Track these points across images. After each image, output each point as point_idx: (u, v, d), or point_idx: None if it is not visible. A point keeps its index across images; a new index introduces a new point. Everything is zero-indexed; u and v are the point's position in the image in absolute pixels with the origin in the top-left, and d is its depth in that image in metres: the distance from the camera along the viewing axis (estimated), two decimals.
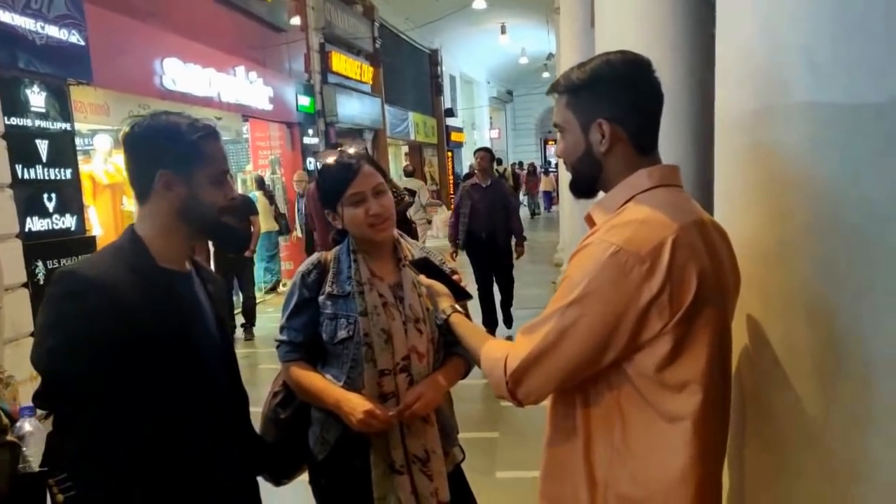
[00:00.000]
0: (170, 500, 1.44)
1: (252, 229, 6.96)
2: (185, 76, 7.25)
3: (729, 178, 1.54)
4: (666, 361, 1.20)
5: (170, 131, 1.45)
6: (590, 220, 1.37)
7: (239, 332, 6.92)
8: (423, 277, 1.71)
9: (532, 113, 30.69)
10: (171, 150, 1.44)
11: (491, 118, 27.40)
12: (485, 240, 6.13)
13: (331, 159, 1.88)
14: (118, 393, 1.36)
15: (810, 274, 1.31)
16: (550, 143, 32.07)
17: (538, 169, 21.98)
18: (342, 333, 1.80)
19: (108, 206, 6.49)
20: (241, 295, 7.16)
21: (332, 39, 12.20)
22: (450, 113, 20.60)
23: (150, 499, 1.41)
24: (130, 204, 6.58)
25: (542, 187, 21.34)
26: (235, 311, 6.97)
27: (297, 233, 9.57)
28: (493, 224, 6.14)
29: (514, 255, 6.46)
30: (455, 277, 1.75)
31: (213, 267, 6.82)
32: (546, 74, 22.99)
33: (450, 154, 20.79)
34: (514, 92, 29.77)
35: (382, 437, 1.77)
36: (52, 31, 5.30)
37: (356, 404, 1.72)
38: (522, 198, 21.11)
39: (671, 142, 2.47)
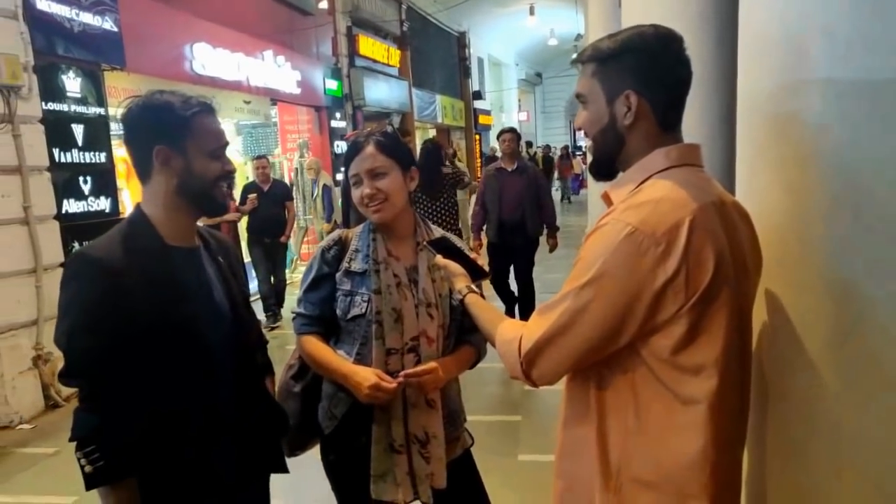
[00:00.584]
0: (176, 477, 1.50)
1: (287, 214, 7.03)
2: (214, 61, 7.32)
3: (749, 154, 1.53)
4: (681, 344, 1.18)
5: (164, 108, 1.48)
6: (607, 199, 1.35)
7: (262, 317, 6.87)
8: (440, 258, 1.72)
9: (562, 95, 30.35)
10: (165, 126, 1.48)
11: (520, 101, 27.17)
12: (511, 230, 5.46)
13: (354, 133, 1.95)
14: (126, 368, 1.42)
15: (830, 251, 1.31)
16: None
17: (570, 152, 21.59)
18: (356, 310, 1.83)
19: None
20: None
21: (360, 23, 12.19)
22: (478, 96, 20.47)
23: (157, 480, 1.48)
24: None
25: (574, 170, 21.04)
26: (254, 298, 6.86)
27: (318, 219, 8.82)
28: (521, 212, 5.47)
29: (549, 248, 5.83)
30: (473, 256, 1.76)
31: (247, 253, 6.84)
32: (575, 56, 22.66)
33: (477, 137, 20.69)
34: (543, 74, 29.49)
35: (385, 414, 1.80)
36: (87, 17, 5.41)
37: (363, 377, 1.75)
38: (556, 183, 20.96)
39: (696, 119, 2.47)
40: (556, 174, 21.03)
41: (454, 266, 1.66)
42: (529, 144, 21.92)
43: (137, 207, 1.55)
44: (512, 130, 5.81)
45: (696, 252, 1.16)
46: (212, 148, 1.53)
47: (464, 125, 19.77)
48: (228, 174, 1.57)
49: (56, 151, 5.10)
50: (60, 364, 1.46)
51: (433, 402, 1.84)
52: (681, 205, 1.18)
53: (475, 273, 1.66)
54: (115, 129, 5.60)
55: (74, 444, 1.42)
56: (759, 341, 1.45)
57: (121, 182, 6.12)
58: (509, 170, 5.61)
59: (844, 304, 1.28)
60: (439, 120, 17.19)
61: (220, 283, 1.63)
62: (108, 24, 5.63)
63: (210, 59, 7.24)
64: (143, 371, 1.44)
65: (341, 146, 10.75)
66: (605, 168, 1.36)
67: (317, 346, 1.87)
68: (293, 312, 1.95)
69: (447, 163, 6.25)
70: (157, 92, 1.53)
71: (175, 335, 1.48)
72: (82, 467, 1.40)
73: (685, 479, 1.22)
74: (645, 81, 1.25)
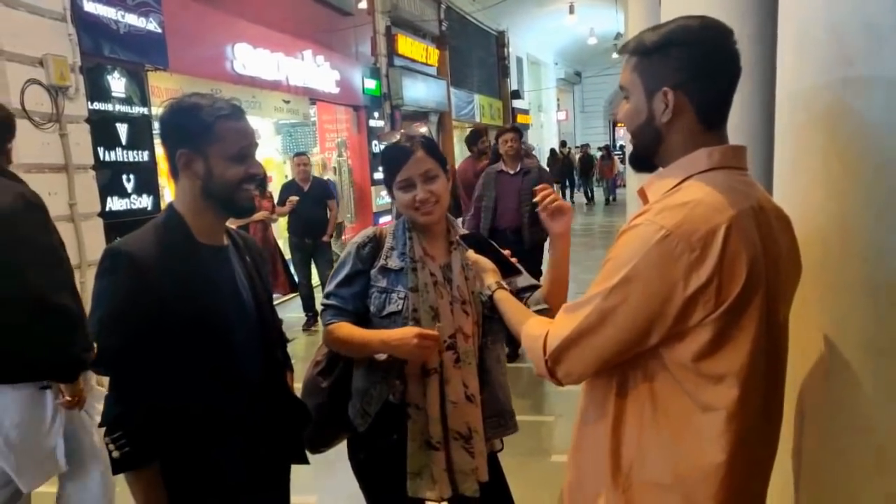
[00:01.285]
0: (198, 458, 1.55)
1: (329, 214, 6.85)
2: (254, 61, 7.43)
3: (791, 154, 1.49)
4: (705, 352, 1.16)
5: (188, 112, 1.52)
6: (643, 196, 1.32)
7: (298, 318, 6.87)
8: (471, 252, 1.73)
9: (601, 95, 30.02)
10: (187, 130, 1.52)
11: (558, 100, 26.97)
12: (503, 241, 4.33)
13: (388, 140, 1.94)
14: (152, 361, 1.47)
15: (874, 254, 1.27)
16: (620, 125, 31.38)
17: (612, 151, 21.25)
18: (392, 307, 1.84)
19: None
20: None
21: (399, 22, 12.24)
22: (516, 95, 20.38)
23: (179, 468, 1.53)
24: None
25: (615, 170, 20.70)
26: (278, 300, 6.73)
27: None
28: (518, 222, 5.04)
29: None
30: (506, 252, 1.76)
31: (290, 252, 6.82)
32: (615, 55, 22.43)
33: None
34: (582, 73, 29.21)
35: (421, 412, 1.81)
36: (132, 18, 5.54)
37: (404, 332, 1.75)
38: (597, 182, 20.80)
39: (738, 117, 2.40)
40: (595, 174, 20.83)
41: (485, 261, 1.67)
42: (563, 144, 21.73)
43: (170, 205, 1.59)
44: (514, 130, 5.35)
45: (730, 260, 1.13)
46: (235, 152, 1.55)
47: (502, 125, 19.71)
48: (253, 177, 1.59)
49: (101, 150, 5.23)
50: None
51: (473, 398, 1.85)
52: (718, 210, 1.14)
53: (507, 269, 1.66)
54: (158, 128, 5.72)
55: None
56: (797, 346, 1.41)
57: (162, 180, 6.24)
58: (511, 173, 5.15)
59: (887, 309, 1.24)
60: (477, 119, 17.16)
61: (247, 282, 1.66)
62: (151, 26, 5.76)
63: (251, 59, 7.34)
64: (169, 364, 1.48)
65: (380, 145, 10.80)
66: (644, 162, 1.33)
67: (350, 328, 1.87)
68: (322, 305, 1.95)
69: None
70: (191, 94, 1.56)
71: (202, 331, 1.51)
72: (110, 452, 1.46)
73: (696, 486, 1.20)
74: (686, 77, 1.21)
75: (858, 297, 1.31)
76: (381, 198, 11.17)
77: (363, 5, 10.67)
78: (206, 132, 1.51)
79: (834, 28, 1.30)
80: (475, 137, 6.41)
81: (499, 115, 19.38)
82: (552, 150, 21.34)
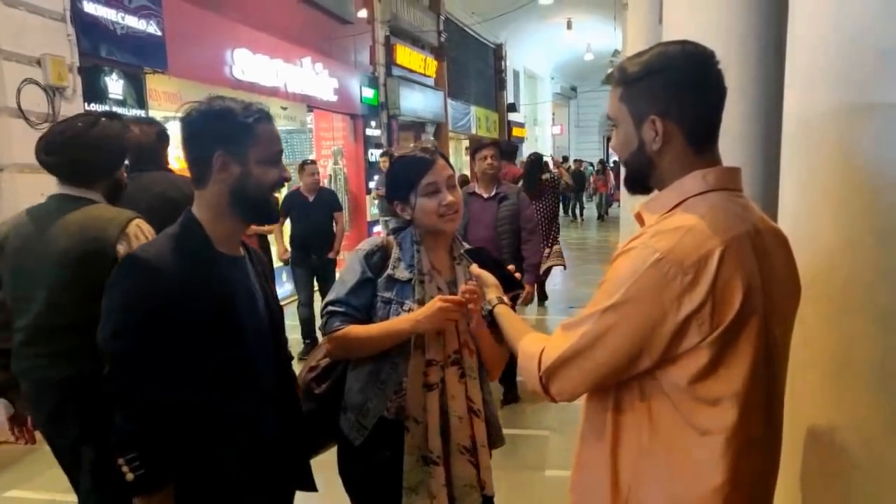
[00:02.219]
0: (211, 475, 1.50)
1: (335, 227, 6.04)
2: (253, 66, 7.42)
3: (798, 176, 1.50)
4: (700, 375, 1.16)
5: (225, 114, 1.49)
6: (640, 219, 1.33)
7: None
8: (475, 266, 1.72)
9: (596, 110, 30.21)
10: (226, 132, 1.48)
11: (554, 114, 27.13)
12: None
13: (404, 151, 1.95)
14: (172, 374, 1.42)
15: (876, 279, 1.27)
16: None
17: (607, 167, 21.18)
18: None
19: None
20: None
21: (398, 32, 12.29)
22: (512, 108, 20.48)
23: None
24: None
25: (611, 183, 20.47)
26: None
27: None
28: (496, 249, 4.22)
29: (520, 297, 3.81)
30: (510, 268, 1.75)
31: (294, 271, 6.14)
32: (611, 71, 22.58)
33: None
34: (577, 88, 29.40)
35: (420, 426, 1.79)
36: (132, 21, 5.52)
37: (429, 305, 1.75)
38: (590, 197, 20.57)
39: (736, 139, 2.42)
40: (589, 189, 20.83)
41: (487, 276, 1.67)
42: (565, 159, 21.32)
43: (189, 212, 1.55)
44: (494, 145, 4.49)
45: (723, 284, 1.13)
46: (270, 155, 1.54)
47: (497, 137, 19.77)
48: (285, 181, 1.58)
49: None
50: None
51: (479, 412, 1.84)
52: (712, 234, 1.14)
53: (509, 284, 1.66)
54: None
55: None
56: (800, 367, 1.41)
57: None
58: (484, 196, 4.33)
59: (890, 334, 1.24)
60: (473, 131, 17.22)
61: (262, 294, 1.63)
62: (151, 28, 5.74)
63: (250, 64, 7.34)
64: (189, 378, 1.44)
65: (375, 154, 10.81)
66: (640, 185, 1.34)
67: (366, 327, 1.83)
68: (328, 312, 1.88)
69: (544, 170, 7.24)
70: (216, 98, 1.54)
71: (222, 342, 1.48)
72: (123, 474, 1.40)
73: None
74: (670, 104, 1.21)
75: (865, 320, 1.31)
76: (375, 207, 11.17)
77: (363, 14, 10.70)
78: (245, 134, 1.50)
79: (846, 53, 1.30)
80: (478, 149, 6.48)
81: (495, 127, 19.45)
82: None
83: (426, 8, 13.93)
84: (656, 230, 1.18)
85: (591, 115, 30.65)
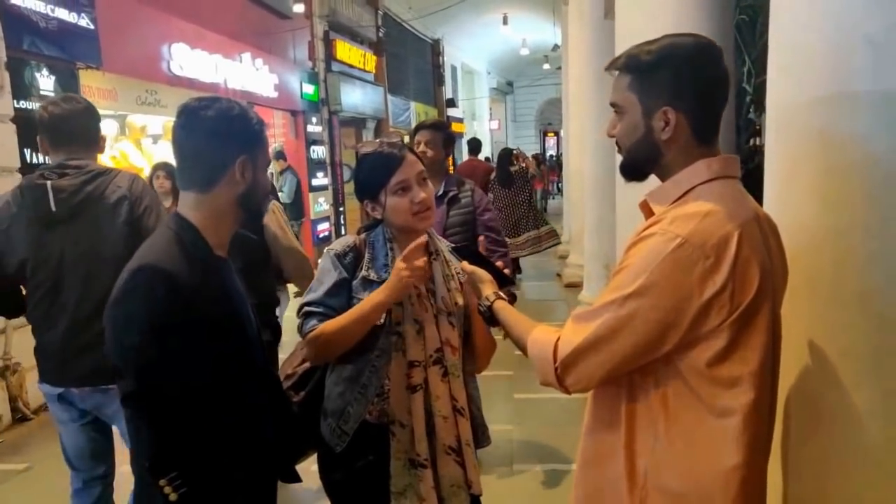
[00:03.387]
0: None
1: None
2: (192, 62, 7.19)
3: (783, 167, 1.52)
4: (719, 357, 1.18)
5: (245, 118, 1.47)
6: (645, 208, 1.34)
7: None
8: (466, 263, 1.69)
9: (532, 104, 30.61)
10: (249, 136, 1.47)
11: (491, 109, 27.30)
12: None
13: (369, 148, 1.85)
14: (199, 386, 1.36)
15: (864, 265, 1.30)
16: (549, 134, 32.01)
17: (542, 162, 21.18)
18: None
19: None
20: None
21: (337, 27, 12.12)
22: (451, 103, 20.51)
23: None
24: None
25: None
26: None
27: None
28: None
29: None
30: (498, 264, 1.73)
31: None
32: (546, 66, 22.87)
33: None
34: (514, 83, 29.68)
35: (405, 430, 1.75)
36: (62, 13, 5.25)
37: (392, 276, 1.70)
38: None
39: None
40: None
41: (481, 272, 1.64)
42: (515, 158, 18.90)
43: (180, 216, 1.47)
44: (435, 128, 3.37)
45: (742, 266, 1.16)
46: (268, 162, 1.56)
47: None
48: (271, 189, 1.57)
49: (28, 152, 4.92)
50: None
51: (463, 411, 1.80)
52: (728, 218, 1.17)
53: (501, 280, 1.64)
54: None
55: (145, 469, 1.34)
56: (785, 355, 1.44)
57: None
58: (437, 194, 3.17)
59: (879, 320, 1.28)
60: (413, 126, 17.16)
61: (245, 296, 1.59)
62: (84, 22, 5.48)
63: (188, 60, 7.10)
64: (213, 388, 1.38)
65: (317, 151, 10.65)
66: (639, 173, 1.35)
67: (338, 318, 1.76)
68: (304, 313, 1.81)
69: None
70: (223, 99, 1.49)
71: (233, 345, 1.44)
72: (166, 496, 1.32)
73: (715, 491, 1.21)
74: (683, 96, 1.24)
75: (849, 307, 1.34)
76: (319, 204, 11.00)
77: (299, 9, 10.50)
78: (258, 139, 1.50)
79: (832, 42, 1.33)
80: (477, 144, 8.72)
81: None
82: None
83: (364, 3, 13.79)
84: (674, 216, 1.20)
85: (527, 109, 31.00)
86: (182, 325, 1.33)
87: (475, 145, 8.85)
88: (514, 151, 9.80)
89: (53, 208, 2.30)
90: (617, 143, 1.36)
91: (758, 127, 4.12)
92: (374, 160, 1.82)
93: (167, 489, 1.31)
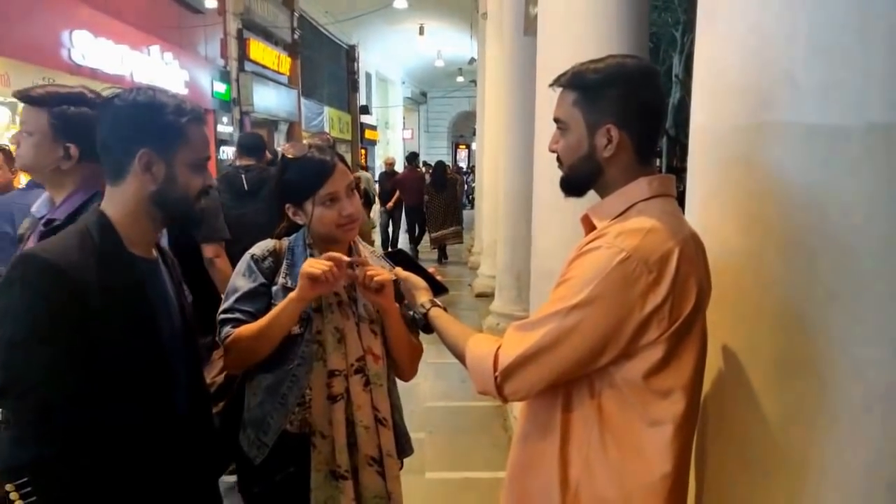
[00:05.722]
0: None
1: None
2: (95, 51, 6.84)
3: (704, 191, 1.59)
4: (655, 369, 1.22)
5: (157, 109, 1.35)
6: (587, 222, 1.37)
7: None
8: (399, 270, 1.67)
9: (445, 115, 30.90)
10: (156, 129, 1.35)
11: (404, 118, 27.37)
12: None
13: (298, 152, 1.78)
14: (77, 387, 1.26)
15: (780, 284, 1.38)
16: (461, 147, 32.41)
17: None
18: (294, 329, 1.71)
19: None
20: None
21: (251, 26, 11.85)
22: (365, 110, 20.44)
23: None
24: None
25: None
26: None
27: None
28: None
29: None
30: (431, 270, 1.73)
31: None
32: (461, 79, 23.18)
33: (363, 151, 20.62)
34: (428, 94, 29.89)
35: (326, 441, 1.70)
36: None
37: (301, 273, 1.62)
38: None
39: None
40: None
41: (415, 279, 1.63)
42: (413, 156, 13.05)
43: (98, 210, 1.39)
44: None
45: (682, 281, 1.20)
46: (197, 160, 1.41)
47: (350, 139, 19.62)
48: (209, 189, 1.45)
49: None
50: None
51: (385, 421, 1.77)
52: (670, 235, 1.22)
53: (435, 288, 1.63)
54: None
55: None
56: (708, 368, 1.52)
57: None
58: None
59: (797, 338, 1.36)
60: (326, 131, 16.95)
61: (175, 300, 1.49)
62: None
63: (91, 49, 6.75)
64: (96, 391, 1.27)
65: (227, 152, 10.33)
66: (578, 189, 1.38)
67: (253, 323, 1.70)
68: (220, 321, 1.75)
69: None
70: (148, 88, 1.39)
71: (136, 350, 1.33)
72: (11, 502, 1.22)
73: (645, 499, 1.25)
74: (627, 115, 1.27)
75: (770, 327, 1.41)
76: None
77: (212, 3, 10.18)
78: (175, 134, 1.36)
79: (753, 78, 1.41)
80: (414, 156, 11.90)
81: (347, 128, 19.30)
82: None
83: (280, 3, 13.54)
84: (618, 231, 1.23)
85: (440, 120, 31.26)
86: (69, 322, 1.25)
87: (412, 157, 12.11)
88: (447, 165, 12.37)
89: None
90: (558, 157, 1.37)
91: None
92: (304, 167, 1.75)
93: (12, 494, 1.22)
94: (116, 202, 1.39)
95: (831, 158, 1.29)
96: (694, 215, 1.64)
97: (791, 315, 1.36)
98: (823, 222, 1.29)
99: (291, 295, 1.66)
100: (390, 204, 10.92)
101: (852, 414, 1.28)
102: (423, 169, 12.86)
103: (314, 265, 1.62)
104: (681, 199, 1.44)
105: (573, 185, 1.37)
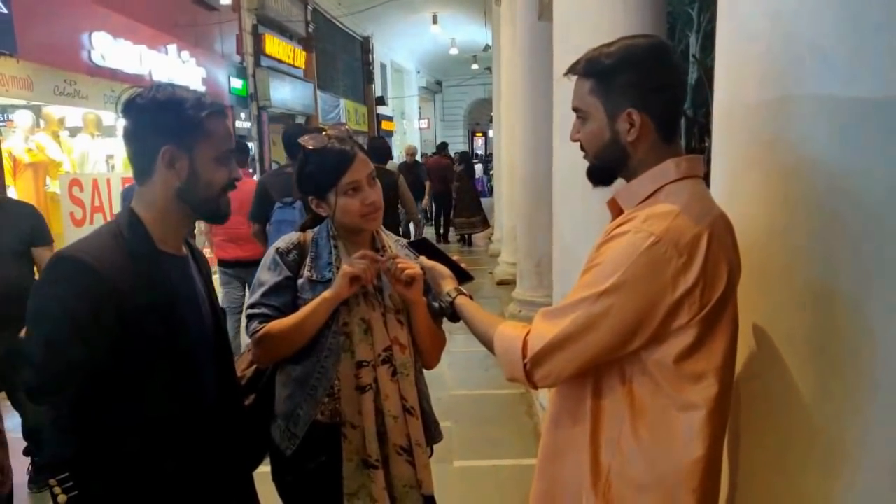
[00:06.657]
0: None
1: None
2: (115, 52, 6.91)
3: (731, 167, 1.58)
4: (686, 353, 1.21)
5: (176, 105, 1.37)
6: (614, 207, 1.36)
7: None
8: (424, 259, 1.67)
9: (461, 104, 30.79)
10: (176, 125, 1.37)
11: (420, 108, 27.31)
12: None
13: (318, 143, 1.78)
14: (112, 384, 1.30)
15: (811, 262, 1.37)
16: (478, 134, 32.30)
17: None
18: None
19: (31, 187, 6.11)
20: None
21: (266, 21, 11.87)
22: (381, 101, 20.42)
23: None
24: (54, 185, 6.21)
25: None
26: None
27: None
28: None
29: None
30: (455, 258, 1.73)
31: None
32: (475, 66, 23.07)
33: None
34: (443, 82, 29.79)
35: (357, 431, 1.72)
36: None
37: (342, 273, 1.67)
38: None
39: None
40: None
41: (441, 268, 1.63)
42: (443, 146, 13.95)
43: (130, 209, 1.42)
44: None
45: (713, 264, 1.19)
46: (221, 153, 1.42)
47: (367, 130, 19.65)
48: (235, 182, 1.46)
49: None
50: None
51: (413, 410, 1.78)
52: (699, 217, 1.20)
53: (460, 276, 1.63)
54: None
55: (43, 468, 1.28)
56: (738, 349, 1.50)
57: (7, 179, 5.63)
58: None
59: (828, 313, 1.34)
60: (344, 121, 16.98)
61: (206, 297, 1.51)
62: None
63: (110, 49, 6.82)
64: (130, 387, 1.30)
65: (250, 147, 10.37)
66: (607, 177, 1.37)
67: (285, 318, 1.72)
68: (248, 316, 1.77)
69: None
70: (167, 85, 1.41)
71: (166, 348, 1.35)
72: (55, 496, 1.26)
73: (678, 483, 1.24)
74: (646, 96, 1.25)
75: (800, 303, 1.40)
76: None
77: (227, 0, 10.22)
78: (195, 128, 1.37)
79: (779, 51, 1.39)
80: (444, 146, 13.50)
81: (364, 120, 19.30)
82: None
83: None
84: (647, 215, 1.21)
85: (456, 109, 31.14)
86: (102, 322, 1.28)
87: (442, 146, 13.53)
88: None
89: None
90: (582, 147, 1.36)
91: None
92: (324, 157, 1.75)
93: (56, 489, 1.27)
94: (146, 201, 1.42)
95: (860, 132, 1.27)
96: (722, 193, 1.63)
97: (823, 292, 1.34)
98: (853, 197, 1.27)
99: (326, 294, 1.68)
100: (425, 201, 11.48)
101: (888, 391, 1.27)
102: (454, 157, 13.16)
103: (355, 265, 1.66)
104: (705, 180, 1.43)
105: (601, 174, 1.36)
